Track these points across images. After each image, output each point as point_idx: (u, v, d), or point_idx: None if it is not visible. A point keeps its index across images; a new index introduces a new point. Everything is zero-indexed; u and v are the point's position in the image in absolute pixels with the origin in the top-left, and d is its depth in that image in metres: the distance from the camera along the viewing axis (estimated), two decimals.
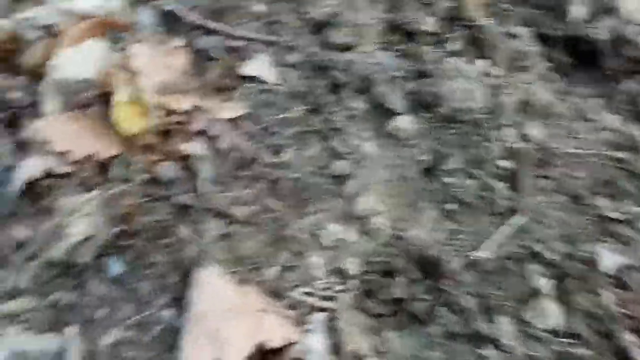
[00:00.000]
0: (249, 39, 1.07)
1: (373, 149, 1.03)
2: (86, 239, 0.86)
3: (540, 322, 0.90)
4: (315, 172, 1.01)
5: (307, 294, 0.90)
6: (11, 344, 0.80)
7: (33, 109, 0.98)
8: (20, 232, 0.89)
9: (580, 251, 0.96)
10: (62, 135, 0.94)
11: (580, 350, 0.87)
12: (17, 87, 0.99)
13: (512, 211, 1.01)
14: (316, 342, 0.87)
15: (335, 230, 0.96)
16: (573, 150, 1.07)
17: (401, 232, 0.98)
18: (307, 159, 1.01)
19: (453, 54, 1.10)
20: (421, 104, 1.06)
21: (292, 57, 1.07)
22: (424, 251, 0.96)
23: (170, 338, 0.84)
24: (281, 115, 1.03)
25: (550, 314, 0.91)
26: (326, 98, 1.05)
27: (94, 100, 0.97)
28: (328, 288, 0.91)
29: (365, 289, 0.92)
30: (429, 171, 1.05)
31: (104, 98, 0.98)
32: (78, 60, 0.99)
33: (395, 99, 1.05)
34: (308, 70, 1.07)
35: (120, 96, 0.95)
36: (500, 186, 1.02)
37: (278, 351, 0.85)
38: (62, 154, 0.93)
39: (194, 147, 0.97)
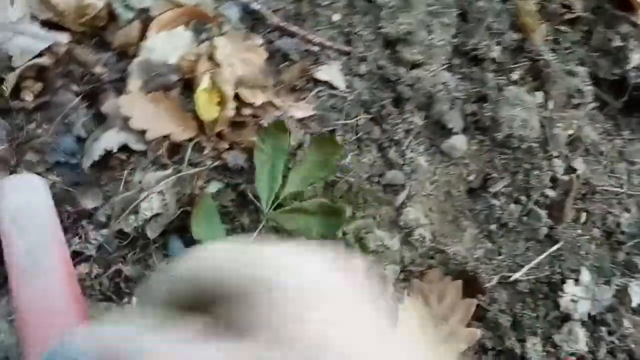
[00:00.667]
0: (325, 46, 1.03)
1: (426, 164, 0.99)
2: (156, 215, 0.83)
3: (569, 345, 0.85)
4: (370, 178, 0.97)
5: None
6: None
7: (116, 86, 0.96)
8: (91, 201, 0.86)
9: (611, 284, 0.90)
10: (141, 113, 0.92)
11: None
12: (103, 62, 0.96)
13: (551, 238, 0.95)
14: None
15: (380, 236, 0.92)
16: (613, 189, 1.01)
17: (442, 246, 0.95)
18: (364, 165, 0.98)
19: (514, 83, 1.04)
20: (478, 127, 1.03)
21: (362, 68, 1.04)
22: (462, 266, 0.91)
23: None
24: (346, 121, 0.98)
25: (579, 339, 0.85)
26: (389, 109, 1.02)
27: (176, 85, 0.95)
28: None
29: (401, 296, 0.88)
30: (475, 191, 1.01)
31: (186, 83, 0.95)
32: (166, 45, 0.97)
33: (453, 118, 1.02)
34: (375, 82, 1.05)
35: (203, 84, 0.91)
36: (543, 214, 0.96)
37: None
38: (139, 132, 0.89)
39: None
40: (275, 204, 0.90)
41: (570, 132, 1.06)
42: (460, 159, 1.03)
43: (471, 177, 1.02)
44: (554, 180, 1.02)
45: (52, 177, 0.90)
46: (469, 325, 0.92)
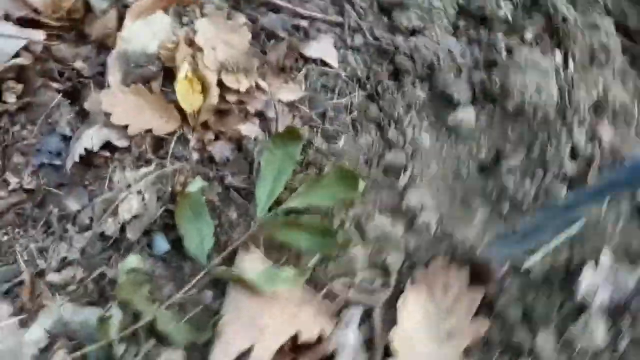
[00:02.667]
0: (315, 19, 0.93)
1: (430, 142, 0.89)
2: (136, 216, 0.79)
3: (585, 340, 0.75)
4: (368, 161, 0.88)
5: (346, 286, 0.79)
6: (55, 314, 0.74)
7: (97, 80, 0.90)
8: (74, 203, 0.82)
9: (638, 266, 0.79)
10: (122, 108, 0.85)
11: None
12: (82, 56, 0.90)
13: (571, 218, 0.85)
14: (350, 336, 0.76)
15: (381, 223, 0.83)
16: None
17: (449, 231, 0.84)
18: (361, 147, 0.88)
19: (528, 44, 0.91)
20: (487, 96, 0.90)
21: (357, 40, 0.93)
22: (471, 253, 0.83)
23: (209, 319, 0.76)
24: (340, 100, 0.90)
25: (596, 332, 0.75)
26: (387, 84, 0.91)
27: (156, 75, 0.88)
28: (367, 282, 0.79)
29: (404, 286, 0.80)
30: (487, 168, 0.90)
31: (167, 73, 0.89)
32: (144, 33, 0.89)
33: (460, 89, 0.90)
34: (371, 54, 0.93)
35: (182, 72, 0.85)
36: (563, 189, 0.85)
37: (310, 343, 0.75)
38: (121, 127, 0.84)
39: (250, 129, 0.86)
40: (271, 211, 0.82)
41: (595, 94, 0.95)
42: (468, 134, 0.89)
43: (482, 154, 0.90)
44: (574, 151, 0.90)
45: (38, 180, 0.85)
46: (475, 317, 0.84)
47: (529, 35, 0.92)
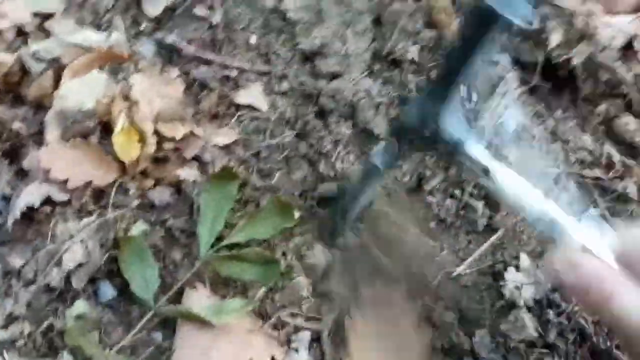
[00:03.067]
0: (243, 70, 1.00)
1: (358, 172, 0.96)
2: (80, 265, 0.80)
3: (517, 334, 0.82)
4: (302, 194, 0.94)
5: (293, 314, 0.83)
6: None
7: (35, 139, 0.92)
8: (17, 259, 0.82)
9: None
10: (61, 163, 0.87)
11: None
12: (20, 117, 0.93)
13: (490, 228, 0.94)
14: None
15: (320, 252, 0.88)
16: (549, 169, 1.00)
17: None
18: (294, 181, 0.94)
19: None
20: (404, 129, 0.99)
21: (283, 86, 1.01)
22: (407, 268, 0.89)
23: (163, 358, 0.77)
24: (272, 141, 0.96)
25: (527, 325, 0.83)
26: (314, 124, 0.98)
27: (94, 129, 0.91)
28: (313, 308, 0.84)
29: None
30: (413, 191, 0.97)
31: (104, 127, 0.92)
32: (81, 91, 0.93)
33: (379, 124, 0.98)
34: (297, 98, 1.01)
35: (119, 124, 0.89)
36: (479, 205, 0.94)
37: None
38: (61, 182, 0.86)
39: (188, 173, 0.91)
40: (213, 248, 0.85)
41: (499, 120, 1.06)
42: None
43: (406, 179, 1.02)
44: (486, 170, 1.01)
45: None
46: (419, 327, 0.90)
47: (434, 74, 1.03)
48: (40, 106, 0.94)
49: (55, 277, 0.78)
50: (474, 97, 1.01)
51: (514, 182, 0.63)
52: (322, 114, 0.99)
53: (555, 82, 1.09)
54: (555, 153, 1.03)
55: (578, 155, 1.02)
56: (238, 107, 0.98)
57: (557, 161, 1.02)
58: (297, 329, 0.83)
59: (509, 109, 1.04)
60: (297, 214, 0.88)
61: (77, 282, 0.79)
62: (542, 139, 1.04)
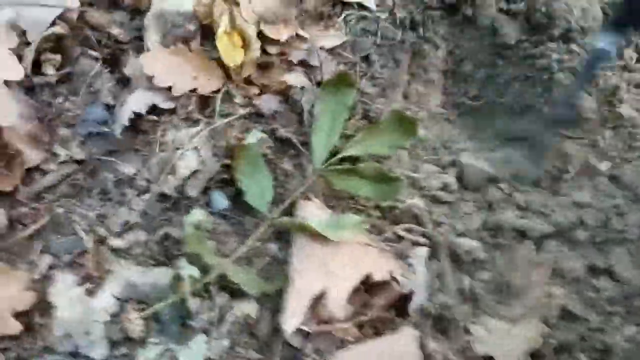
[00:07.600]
0: None
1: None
2: (194, 173, 0.76)
3: None
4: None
5: (409, 230, 0.77)
6: (122, 279, 0.72)
7: (134, 45, 0.86)
8: (129, 168, 0.79)
9: None
10: (164, 69, 0.82)
11: None
12: (117, 22, 0.87)
13: None
14: (421, 275, 0.75)
15: (431, 170, 0.81)
16: None
17: None
18: None
19: None
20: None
21: None
22: None
23: (277, 270, 0.75)
24: (383, 42, 0.87)
25: None
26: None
27: (195, 33, 0.84)
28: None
29: None
30: None
31: (205, 30, 0.86)
32: None
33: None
34: None
35: (222, 28, 0.82)
36: None
37: (382, 284, 0.74)
38: (165, 89, 0.81)
39: (295, 79, 0.84)
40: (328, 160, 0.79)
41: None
42: None
43: None
44: None
45: (87, 149, 0.83)
46: None
47: None
48: (137, 10, 0.88)
49: (170, 185, 0.76)
50: None
51: None
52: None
53: None
54: None
55: None
56: (344, 5, 0.89)
57: None
58: (414, 244, 0.79)
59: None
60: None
61: (192, 190, 0.75)
62: None
